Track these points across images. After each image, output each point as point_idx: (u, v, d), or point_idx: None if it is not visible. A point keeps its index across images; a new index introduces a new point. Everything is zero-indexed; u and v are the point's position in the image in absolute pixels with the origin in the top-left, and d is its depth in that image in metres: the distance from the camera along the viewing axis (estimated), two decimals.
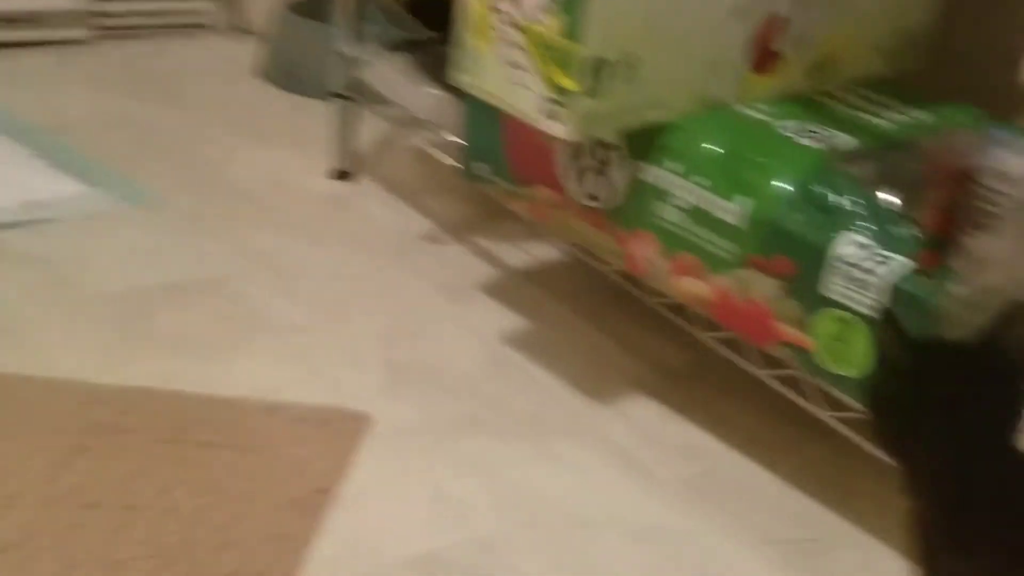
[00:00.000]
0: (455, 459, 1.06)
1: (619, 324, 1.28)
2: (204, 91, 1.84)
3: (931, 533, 0.72)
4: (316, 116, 1.65)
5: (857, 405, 0.93)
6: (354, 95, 1.53)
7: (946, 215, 1.01)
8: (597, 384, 1.18)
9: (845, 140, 0.98)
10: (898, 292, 0.86)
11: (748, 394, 1.11)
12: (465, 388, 1.17)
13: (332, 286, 1.34)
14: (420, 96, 1.36)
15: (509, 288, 1.36)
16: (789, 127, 1.01)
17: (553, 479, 1.04)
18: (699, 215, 0.99)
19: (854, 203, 0.91)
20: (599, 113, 0.96)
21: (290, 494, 0.98)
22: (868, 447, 0.94)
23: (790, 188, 0.94)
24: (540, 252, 1.42)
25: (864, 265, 0.88)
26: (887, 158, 0.96)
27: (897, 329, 0.71)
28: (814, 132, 1.00)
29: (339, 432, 1.06)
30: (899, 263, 0.87)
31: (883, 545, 0.96)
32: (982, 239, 0.92)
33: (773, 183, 0.95)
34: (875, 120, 1.04)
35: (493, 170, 1.21)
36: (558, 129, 0.95)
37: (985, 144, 1.00)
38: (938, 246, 0.95)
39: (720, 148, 0.99)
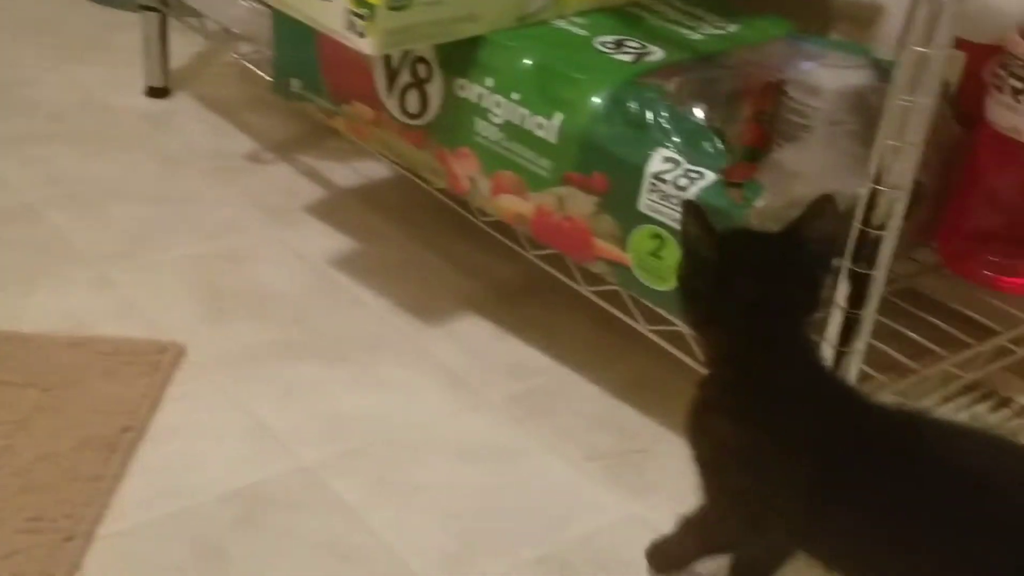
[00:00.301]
0: (276, 388, 1.03)
1: (450, 243, 1.26)
2: (10, 5, 1.71)
3: (715, 411, 0.76)
4: (131, 31, 1.54)
5: (675, 319, 0.95)
6: (164, 7, 1.44)
7: (757, 129, 1.02)
8: (427, 305, 1.17)
9: (660, 54, 0.98)
10: (705, 205, 0.85)
11: (577, 310, 1.12)
12: (289, 314, 1.14)
13: (146, 211, 1.28)
14: (231, 8, 1.29)
15: (336, 208, 1.33)
16: (605, 41, 0.99)
17: (379, 403, 1.03)
18: (516, 132, 0.97)
19: (667, 118, 0.90)
20: (405, 27, 0.93)
21: (98, 432, 0.94)
22: (688, 359, 0.96)
23: (604, 103, 0.93)
24: (369, 170, 1.39)
25: (676, 181, 0.88)
26: (700, 72, 0.96)
27: (702, 219, 0.72)
28: (630, 46, 0.98)
29: (151, 366, 1.02)
30: (710, 178, 0.87)
31: None
32: (791, 152, 0.94)
33: (587, 99, 0.93)
34: (689, 33, 1.03)
35: (308, 86, 1.16)
36: (362, 44, 0.91)
37: (796, 57, 1.01)
38: (749, 159, 0.96)
39: (535, 63, 0.97)
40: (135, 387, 0.99)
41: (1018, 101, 0.92)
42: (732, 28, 1.05)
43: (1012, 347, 0.98)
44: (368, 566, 0.86)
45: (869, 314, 0.83)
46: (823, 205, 0.73)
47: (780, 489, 0.72)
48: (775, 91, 1.01)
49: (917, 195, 1.00)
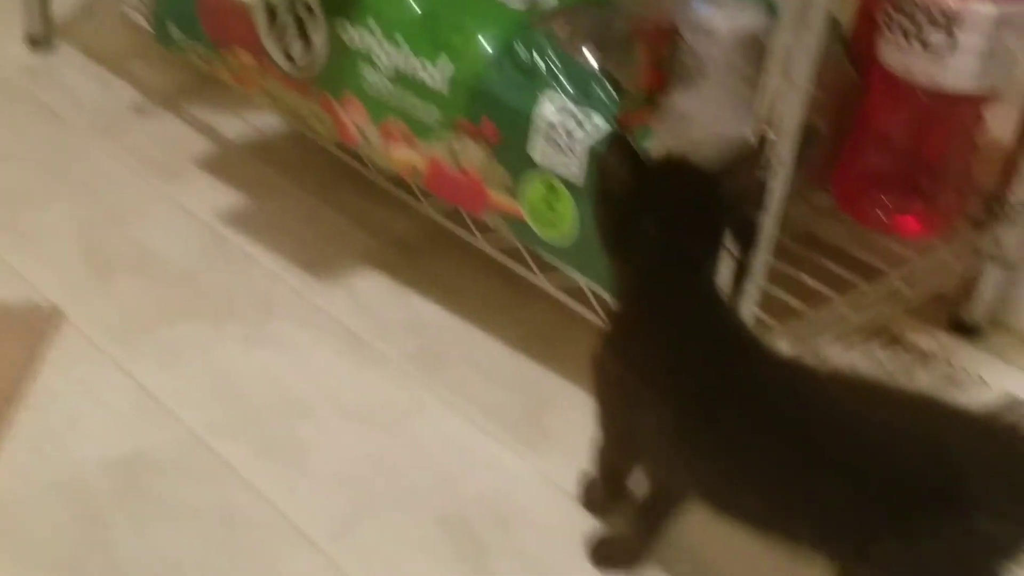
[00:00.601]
0: (162, 351, 0.99)
1: (348, 197, 1.22)
2: None
3: (606, 342, 0.77)
4: None
5: (570, 270, 0.93)
6: None
7: (655, 73, 1.00)
8: (323, 262, 1.13)
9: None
10: (595, 153, 0.84)
11: (477, 264, 1.09)
12: (175, 273, 1.09)
13: (24, 169, 1.22)
14: None
15: (228, 163, 1.27)
16: None
17: (270, 363, 0.99)
18: (403, 79, 0.94)
19: (558, 64, 0.88)
20: None
21: None
22: (586, 311, 0.95)
23: (494, 49, 0.90)
24: (262, 122, 1.33)
25: (567, 127, 0.86)
26: (593, 16, 0.93)
27: (626, 147, 0.72)
28: None
29: (28, 330, 0.97)
30: (601, 124, 0.86)
31: None
32: (684, 96, 0.92)
33: (476, 44, 0.90)
34: None
35: (187, 32, 1.10)
36: None
37: (691, 0, 0.99)
38: (641, 104, 0.94)
39: (422, 7, 0.93)
40: (11, 353, 0.95)
41: (909, 42, 0.92)
42: None
43: (903, 286, 0.99)
44: (258, 532, 0.83)
45: (760, 258, 0.82)
46: (748, 156, 0.75)
47: (648, 424, 0.74)
48: (667, 35, 0.99)
49: (811, 138, 1.00)
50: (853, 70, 0.99)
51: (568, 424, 0.96)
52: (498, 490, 0.89)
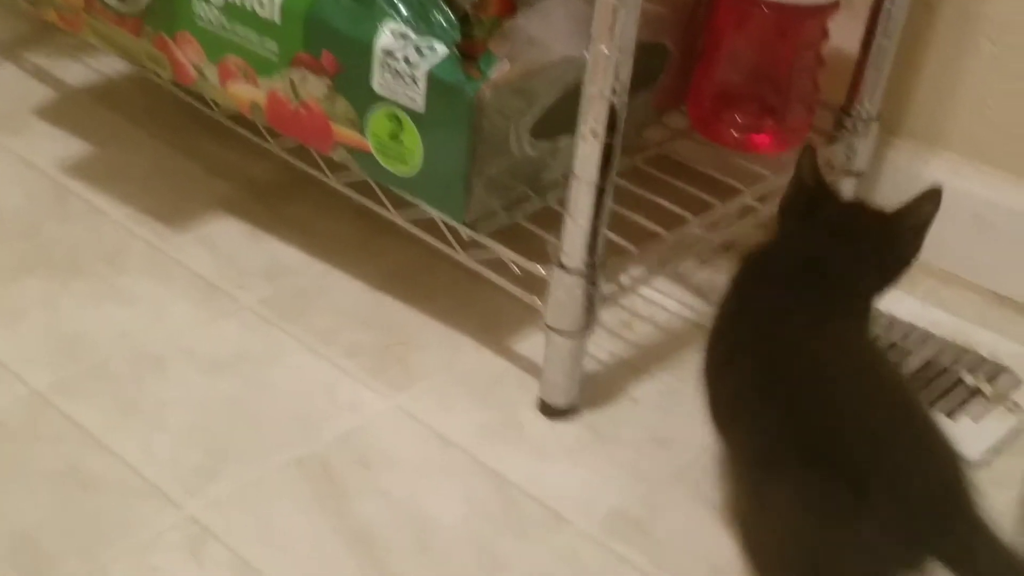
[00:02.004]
0: (2, 309, 0.94)
1: (198, 142, 1.18)
2: None
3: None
4: None
5: (423, 205, 0.92)
6: None
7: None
8: (174, 210, 1.09)
9: None
10: (436, 80, 0.82)
11: (334, 205, 1.07)
12: (15, 228, 1.04)
13: None
14: None
15: (70, 111, 1.21)
16: None
17: (120, 318, 0.96)
18: (237, 12, 0.90)
19: None
20: None
21: None
22: (443, 246, 0.93)
23: None
24: (106, 67, 1.27)
25: (407, 56, 0.84)
26: None
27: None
28: None
29: None
30: (442, 52, 0.83)
31: (467, 336, 0.97)
32: (526, 19, 0.90)
33: None
34: None
35: None
36: None
37: None
38: (492, 31, 0.92)
39: None
40: None
41: None
42: None
43: (756, 204, 1.00)
44: (112, 491, 0.81)
45: (609, 183, 0.82)
46: (931, 197, 0.80)
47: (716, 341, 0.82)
48: None
49: (661, 59, 1.00)
50: None
51: (431, 360, 0.95)
52: (360, 430, 0.88)
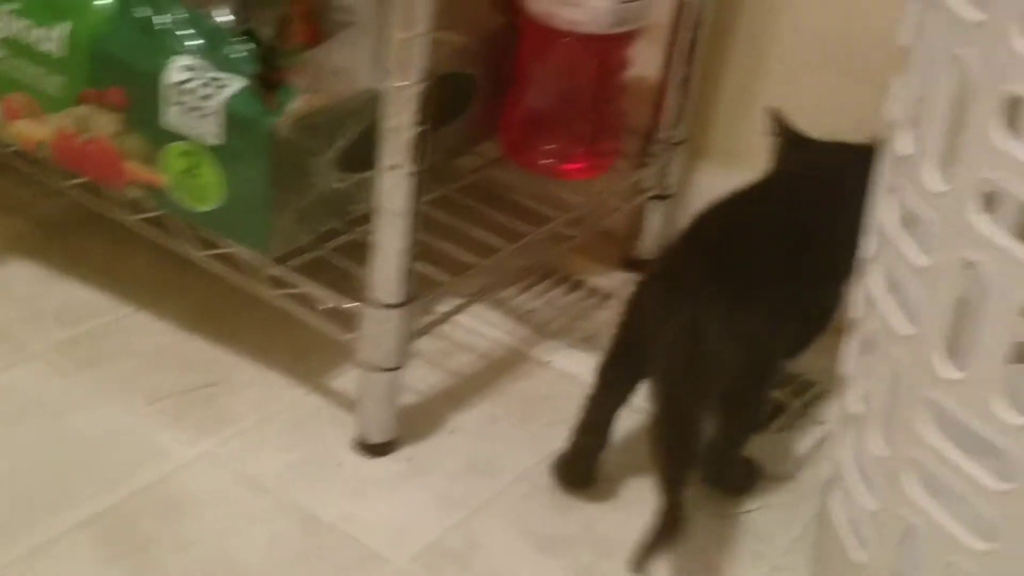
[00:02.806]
0: None
1: None
2: None
3: None
4: None
5: (225, 241, 0.89)
6: None
7: (309, 28, 0.97)
8: None
9: None
10: (232, 114, 0.80)
11: (133, 243, 1.01)
12: None
13: None
14: None
15: None
16: None
17: None
18: (19, 47, 0.86)
19: (184, 22, 0.82)
20: None
21: None
22: (248, 283, 0.90)
23: (112, 8, 0.83)
24: None
25: (200, 90, 0.81)
26: None
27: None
28: None
29: None
30: (237, 84, 0.81)
31: (277, 374, 0.94)
32: (326, 49, 0.89)
33: (94, 5, 0.83)
34: None
35: None
36: None
37: None
38: (282, 61, 0.91)
39: None
40: None
41: None
42: None
43: (568, 231, 1.01)
44: None
45: (411, 215, 0.81)
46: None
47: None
48: None
49: (468, 89, 1.01)
50: (503, 18, 1.00)
51: (240, 401, 0.92)
52: (166, 478, 0.84)
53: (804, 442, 0.94)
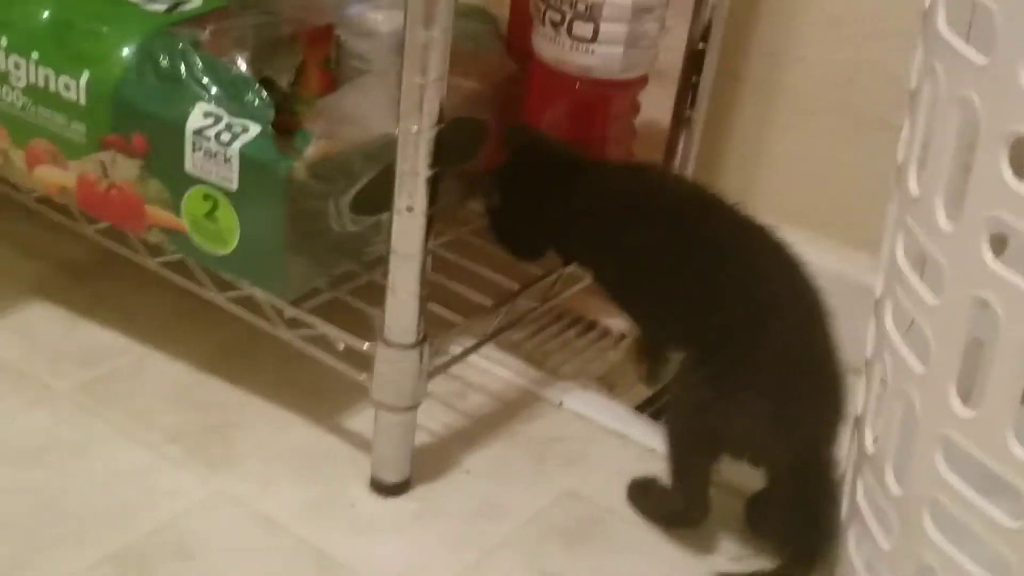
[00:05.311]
0: None
1: (11, 224, 1.12)
2: None
3: None
4: None
5: (243, 284, 0.90)
6: None
7: (325, 75, 0.99)
8: None
9: (197, 2, 0.90)
10: (248, 159, 0.82)
11: (153, 285, 1.02)
12: None
13: None
14: None
15: None
16: None
17: None
18: (42, 95, 0.88)
19: (203, 70, 0.84)
20: None
21: None
22: (265, 324, 0.91)
23: (134, 58, 0.85)
24: None
25: (219, 136, 0.82)
26: (242, 19, 0.90)
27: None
28: None
29: None
30: (254, 130, 0.83)
31: (293, 414, 0.95)
32: (341, 96, 0.91)
33: (115, 53, 0.85)
34: None
35: None
36: None
37: (347, 1, 0.98)
38: (298, 108, 0.92)
39: (52, 17, 0.88)
40: None
41: (558, 33, 0.95)
42: None
43: (579, 273, 1.02)
44: None
45: (424, 256, 0.81)
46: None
47: None
48: (329, 35, 0.98)
49: (480, 133, 1.02)
50: (513, 63, 1.02)
51: (256, 440, 0.93)
52: (180, 518, 0.84)
53: None
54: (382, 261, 0.86)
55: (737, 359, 0.80)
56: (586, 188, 0.88)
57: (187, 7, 0.90)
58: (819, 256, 0.86)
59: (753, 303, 0.80)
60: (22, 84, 0.88)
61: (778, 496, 0.84)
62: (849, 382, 0.81)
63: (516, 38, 1.01)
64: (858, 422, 0.76)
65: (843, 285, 0.94)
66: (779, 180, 1.10)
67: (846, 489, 0.79)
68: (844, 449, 0.81)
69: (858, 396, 0.77)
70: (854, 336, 0.81)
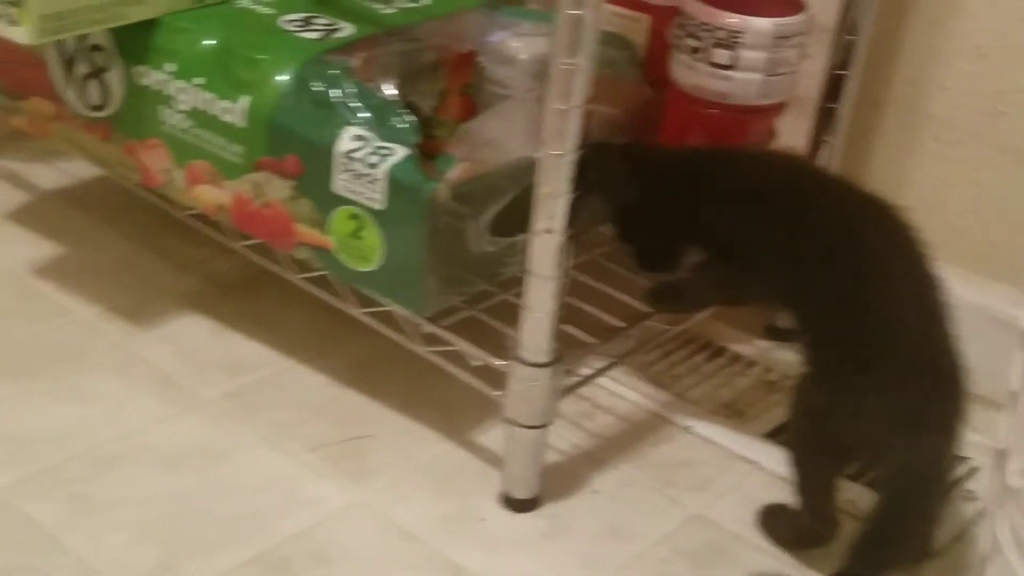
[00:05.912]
0: None
1: (165, 240, 1.19)
2: None
3: None
4: None
5: (382, 299, 0.93)
6: None
7: (465, 101, 1.02)
8: (139, 307, 1.10)
9: (350, 30, 0.95)
10: (394, 181, 0.85)
11: (296, 300, 1.07)
12: None
13: None
14: None
15: (41, 213, 1.23)
16: (292, 19, 0.95)
17: (76, 417, 0.96)
18: (203, 118, 0.93)
19: (354, 95, 0.88)
20: (62, 12, 0.87)
21: None
22: (403, 339, 0.95)
23: (290, 84, 0.89)
24: (77, 170, 1.29)
25: (367, 159, 0.86)
26: (390, 46, 0.94)
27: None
28: (318, 23, 0.95)
29: None
30: (401, 153, 0.86)
31: (427, 428, 0.98)
32: (483, 121, 0.94)
33: (272, 79, 0.90)
34: (381, 8, 1.01)
35: None
36: (17, 33, 0.84)
37: (489, 27, 1.01)
38: (444, 131, 0.95)
39: (215, 45, 0.93)
40: None
41: (697, 60, 0.96)
42: (424, 1, 1.04)
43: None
44: None
45: (560, 277, 0.83)
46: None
47: None
48: (471, 62, 1.01)
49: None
50: (650, 89, 1.03)
51: (391, 453, 0.95)
52: (319, 526, 0.88)
53: (957, 517, 0.93)
54: (516, 281, 0.89)
55: (859, 359, 0.80)
56: (725, 174, 0.89)
57: (339, 35, 0.94)
58: (960, 287, 0.84)
59: (883, 300, 0.81)
60: (186, 108, 0.93)
61: (895, 500, 0.83)
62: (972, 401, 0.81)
63: (654, 64, 1.02)
64: (1001, 455, 0.74)
65: (985, 317, 0.92)
66: (919, 208, 1.07)
67: (986, 523, 0.77)
68: (984, 481, 0.79)
69: (1000, 429, 0.75)
70: (995, 369, 0.80)
